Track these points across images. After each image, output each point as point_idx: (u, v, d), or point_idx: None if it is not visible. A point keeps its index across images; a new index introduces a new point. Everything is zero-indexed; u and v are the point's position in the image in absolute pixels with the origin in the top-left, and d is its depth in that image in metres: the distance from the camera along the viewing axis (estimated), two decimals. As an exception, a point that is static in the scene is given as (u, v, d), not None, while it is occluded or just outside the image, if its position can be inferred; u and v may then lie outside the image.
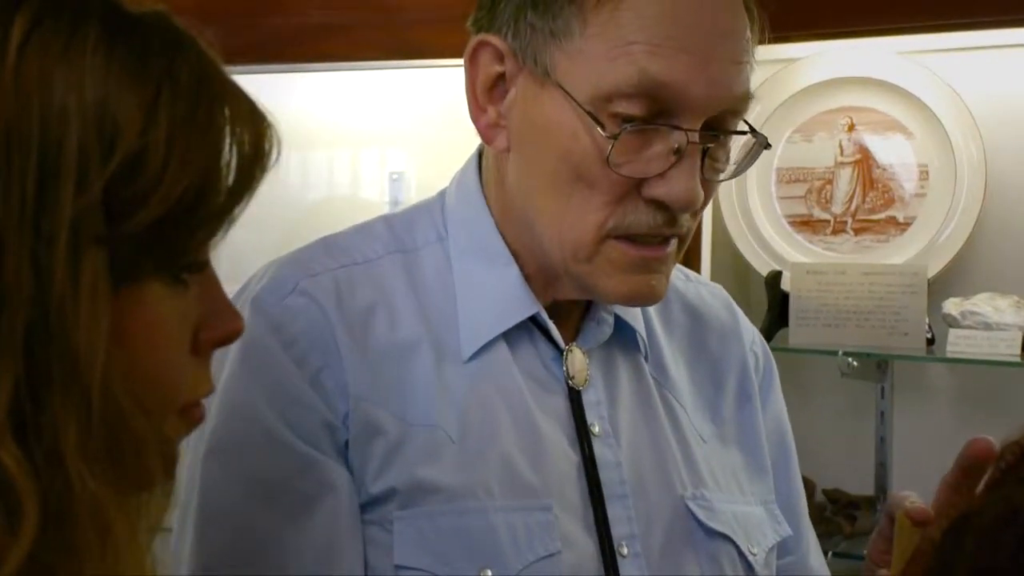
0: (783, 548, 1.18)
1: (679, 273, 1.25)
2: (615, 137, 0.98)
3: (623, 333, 1.14)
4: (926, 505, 0.94)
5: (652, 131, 0.99)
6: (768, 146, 1.07)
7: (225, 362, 1.00)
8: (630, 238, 1.02)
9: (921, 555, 0.79)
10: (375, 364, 1.05)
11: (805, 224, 2.39)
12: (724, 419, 1.19)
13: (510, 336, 1.09)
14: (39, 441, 0.52)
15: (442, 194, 1.15)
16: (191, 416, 0.63)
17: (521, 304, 1.08)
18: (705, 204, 1.04)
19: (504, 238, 1.09)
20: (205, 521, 1.01)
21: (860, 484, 2.34)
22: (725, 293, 1.28)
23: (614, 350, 1.13)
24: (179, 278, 0.59)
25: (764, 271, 2.34)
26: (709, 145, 1.01)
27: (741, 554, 1.11)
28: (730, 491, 1.14)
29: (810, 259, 2.35)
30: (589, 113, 0.99)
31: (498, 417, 1.06)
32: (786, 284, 2.30)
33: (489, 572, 1.00)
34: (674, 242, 1.04)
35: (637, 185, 1.00)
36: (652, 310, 1.18)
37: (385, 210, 2.66)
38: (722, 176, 1.05)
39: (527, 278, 1.09)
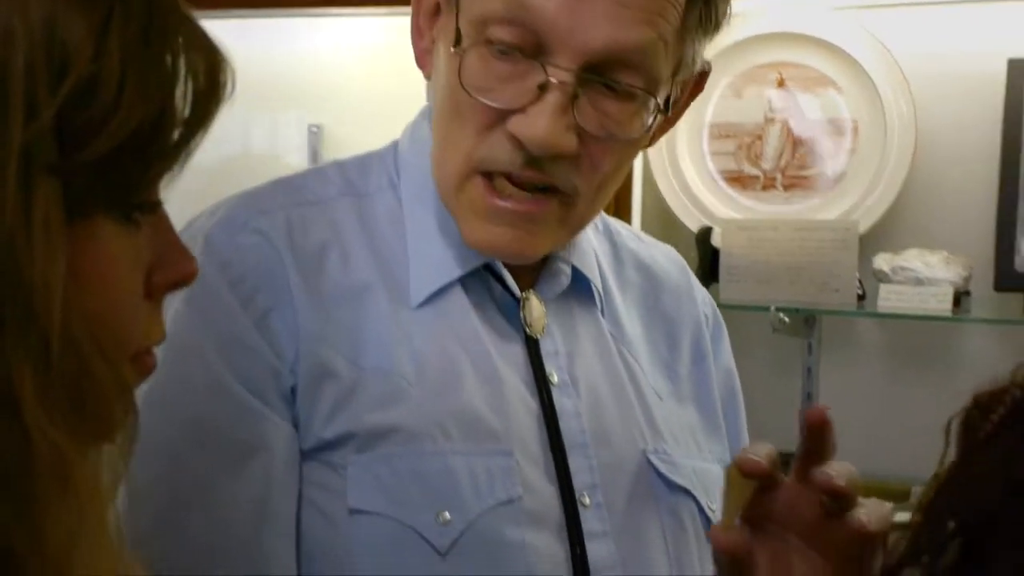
0: None
1: (631, 234, 1.25)
2: (463, 52, 0.98)
3: (580, 286, 1.13)
4: (762, 458, 0.92)
5: (525, 64, 0.98)
6: (664, 111, 1.03)
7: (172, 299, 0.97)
8: (492, 179, 1.01)
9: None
10: (327, 305, 1.03)
11: (735, 180, 2.38)
12: (680, 377, 1.18)
13: (466, 283, 1.07)
14: None
15: (395, 143, 1.14)
16: (143, 364, 0.61)
17: (473, 251, 1.06)
18: (598, 165, 1.01)
19: None
20: (139, 454, 0.97)
21: (788, 440, 2.34)
22: (677, 254, 1.28)
23: (572, 303, 1.12)
24: (131, 217, 0.56)
25: (694, 227, 2.33)
26: (580, 90, 0.98)
27: (701, 509, 1.10)
28: (688, 448, 1.14)
29: (740, 215, 2.34)
30: (457, 30, 0.98)
31: (457, 362, 1.04)
32: (716, 240, 2.29)
33: (447, 514, 0.98)
34: (551, 203, 1.01)
35: (504, 119, 0.99)
36: (606, 268, 1.17)
37: (304, 164, 2.63)
38: (619, 136, 1.01)
39: None
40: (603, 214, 1.22)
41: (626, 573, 1.03)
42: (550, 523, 1.01)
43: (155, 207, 0.58)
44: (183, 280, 0.59)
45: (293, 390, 1.00)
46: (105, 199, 0.54)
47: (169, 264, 0.58)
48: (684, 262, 1.27)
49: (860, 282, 2.21)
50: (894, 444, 2.10)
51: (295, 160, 2.64)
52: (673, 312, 1.21)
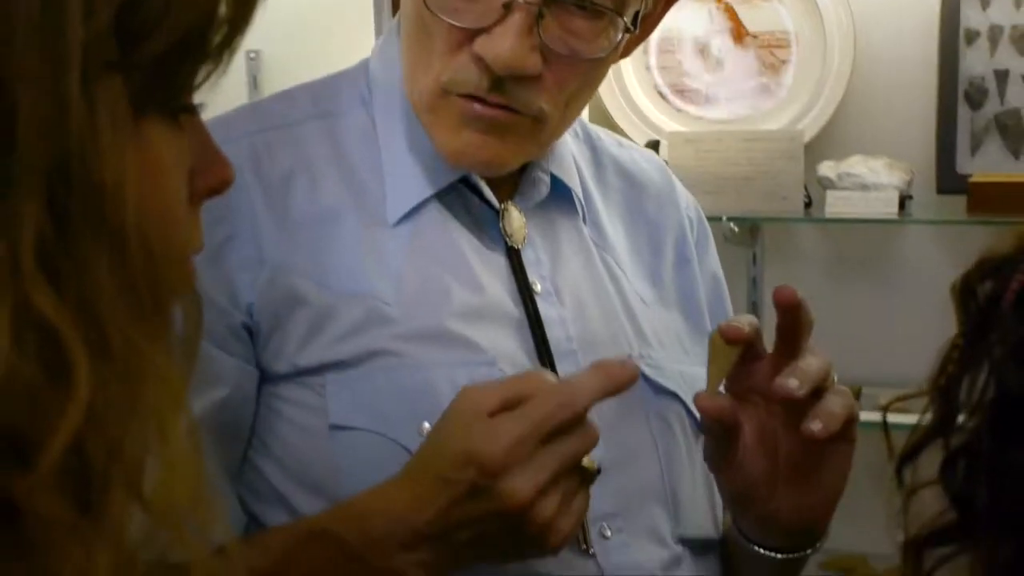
0: None
1: (612, 140, 1.24)
2: None
3: (560, 194, 1.13)
4: (744, 327, 0.98)
5: None
6: (630, 29, 1.03)
7: None
8: (469, 96, 1.01)
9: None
10: (295, 232, 1.02)
11: (680, 93, 2.40)
12: (664, 283, 1.19)
13: (444, 198, 1.07)
14: (71, 288, 0.48)
15: (365, 61, 1.13)
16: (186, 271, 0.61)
17: (448, 165, 1.06)
18: (563, 84, 1.01)
19: None
20: None
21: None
22: (659, 159, 1.27)
23: (552, 211, 1.12)
24: (178, 118, 0.56)
25: (641, 141, 2.35)
26: (546, 9, 0.97)
27: (689, 412, 1.11)
28: (674, 352, 1.14)
29: (686, 128, 2.36)
30: None
31: (438, 277, 1.04)
32: (663, 153, 2.31)
33: (427, 425, 0.96)
34: (522, 118, 1.01)
35: (471, 39, 0.98)
36: (587, 175, 1.17)
37: (243, 90, 2.61)
38: (585, 54, 1.01)
39: None
40: (583, 120, 1.23)
41: (616, 477, 1.03)
42: None
43: (197, 110, 0.58)
44: (222, 185, 0.59)
45: (247, 328, 1.00)
46: (159, 99, 0.53)
47: (208, 168, 0.58)
48: (665, 166, 1.27)
49: (806, 189, 2.26)
50: (841, 347, 2.16)
51: (233, 85, 2.62)
52: (656, 217, 1.21)
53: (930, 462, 0.73)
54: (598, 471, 0.95)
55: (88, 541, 0.49)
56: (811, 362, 0.97)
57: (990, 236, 2.30)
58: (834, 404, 0.97)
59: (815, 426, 0.95)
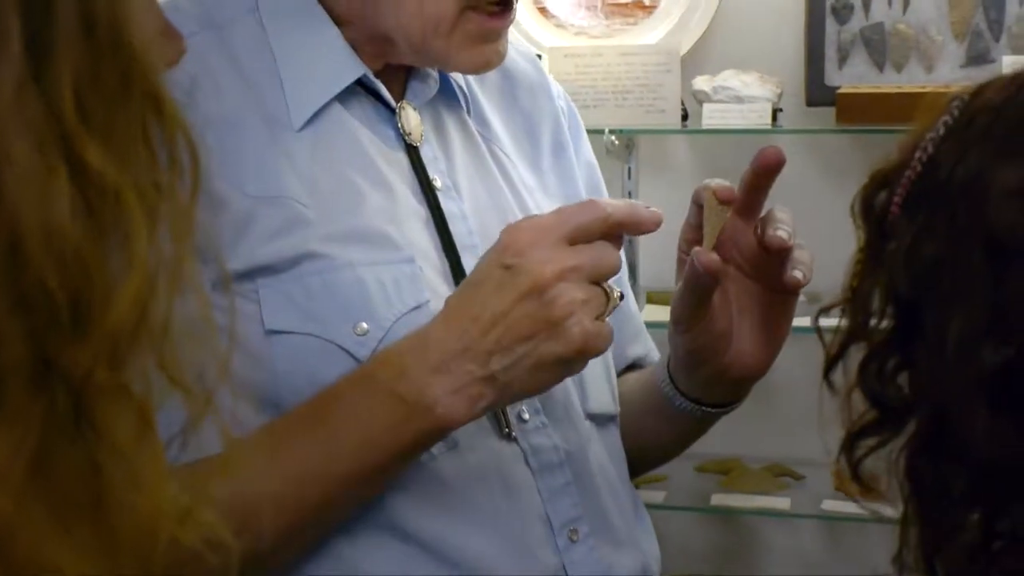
0: None
1: None
2: None
3: (445, 90, 1.16)
4: (734, 186, 1.06)
5: None
6: None
7: None
8: (482, 7, 1.05)
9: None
10: (207, 136, 1.02)
11: (557, 9, 2.43)
12: (543, 171, 1.23)
13: (343, 100, 1.09)
14: (113, 145, 0.51)
15: None
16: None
17: (346, 66, 1.08)
18: None
19: (322, 2, 1.09)
20: None
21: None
22: (531, 51, 1.33)
23: (440, 107, 1.16)
24: None
25: (521, 56, 2.38)
26: None
27: None
28: None
29: (564, 43, 2.40)
30: None
31: (348, 178, 1.06)
32: (544, 68, 2.34)
33: (364, 324, 1.01)
34: (515, 5, 1.08)
35: None
36: None
37: None
38: None
39: (353, 43, 1.09)
40: None
41: None
42: None
43: None
44: (178, 55, 0.61)
45: None
46: None
47: (166, 41, 0.60)
48: (537, 59, 1.32)
49: (682, 103, 2.32)
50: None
51: None
52: (531, 108, 1.25)
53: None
54: (621, 297, 0.99)
55: (120, 402, 0.51)
56: (783, 216, 1.05)
57: (857, 144, 2.42)
58: (803, 254, 1.05)
59: (798, 274, 1.03)
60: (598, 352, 0.97)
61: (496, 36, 1.08)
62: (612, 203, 0.99)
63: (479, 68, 1.11)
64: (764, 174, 1.05)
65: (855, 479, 0.79)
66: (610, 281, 0.98)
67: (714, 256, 1.03)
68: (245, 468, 0.87)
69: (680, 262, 1.10)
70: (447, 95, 1.16)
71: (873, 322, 0.77)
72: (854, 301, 0.79)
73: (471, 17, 1.05)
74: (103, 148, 0.49)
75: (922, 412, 0.74)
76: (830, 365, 0.80)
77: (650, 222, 0.99)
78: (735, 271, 1.09)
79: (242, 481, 0.94)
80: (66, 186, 0.48)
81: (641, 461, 1.26)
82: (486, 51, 1.08)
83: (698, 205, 1.08)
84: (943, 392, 0.72)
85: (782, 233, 1.03)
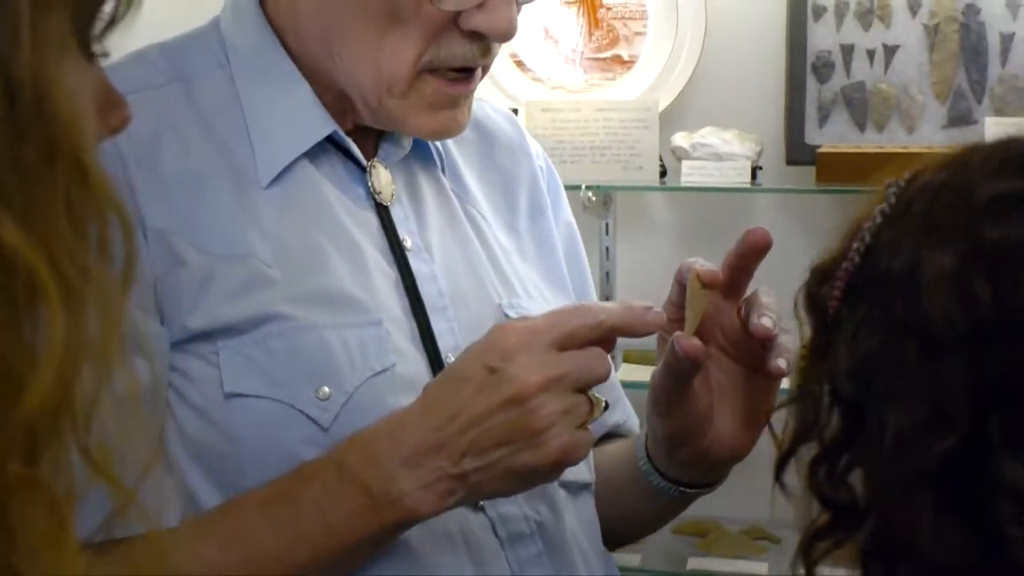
0: None
1: None
2: None
3: (419, 149, 1.14)
4: (719, 269, 1.02)
5: None
6: None
7: None
8: (442, 72, 1.02)
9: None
10: (170, 193, 1.00)
11: (534, 63, 2.41)
12: (520, 233, 1.20)
13: (313, 158, 1.06)
14: (30, 219, 0.47)
15: (215, 20, 1.11)
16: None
17: (316, 123, 1.06)
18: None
19: (294, 59, 1.06)
20: None
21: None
22: (508, 110, 1.29)
23: (414, 167, 1.13)
24: (91, 56, 0.54)
25: (498, 110, 2.36)
26: None
27: None
28: (539, 301, 1.16)
29: (542, 97, 2.38)
30: None
31: (314, 237, 1.04)
32: (520, 122, 2.32)
33: (326, 389, 0.97)
34: (479, 73, 1.05)
35: (454, 18, 1.00)
36: None
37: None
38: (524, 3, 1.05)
39: (323, 100, 1.06)
40: None
41: None
42: (421, 387, 0.99)
43: (103, 44, 0.57)
44: (123, 124, 0.58)
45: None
46: (84, 32, 0.52)
47: (110, 109, 0.57)
48: (514, 116, 1.29)
49: (661, 159, 2.30)
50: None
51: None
52: (508, 167, 1.22)
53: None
54: (605, 407, 0.96)
55: (34, 497, 0.47)
56: (770, 300, 1.01)
57: (837, 204, 2.38)
58: (787, 341, 1.00)
59: (781, 363, 0.99)
60: (575, 463, 0.95)
61: (454, 103, 1.04)
62: (607, 308, 0.96)
63: (435, 135, 1.08)
64: (750, 256, 1.01)
65: None
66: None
67: (695, 342, 1.00)
68: (193, 553, 0.82)
69: (661, 342, 1.06)
70: (421, 154, 1.14)
71: (821, 421, 0.75)
72: (801, 400, 0.76)
73: (428, 80, 1.02)
74: (19, 226, 0.46)
75: (874, 513, 0.72)
76: (780, 465, 0.77)
77: (650, 325, 0.96)
78: (717, 352, 1.05)
79: (190, 565, 0.91)
80: None
81: (619, 533, 1.22)
82: (443, 117, 1.04)
83: (680, 284, 1.04)
84: (886, 492, 0.70)
85: (767, 321, 0.99)
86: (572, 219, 1.28)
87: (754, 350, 1.02)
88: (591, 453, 1.15)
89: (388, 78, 1.02)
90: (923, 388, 0.67)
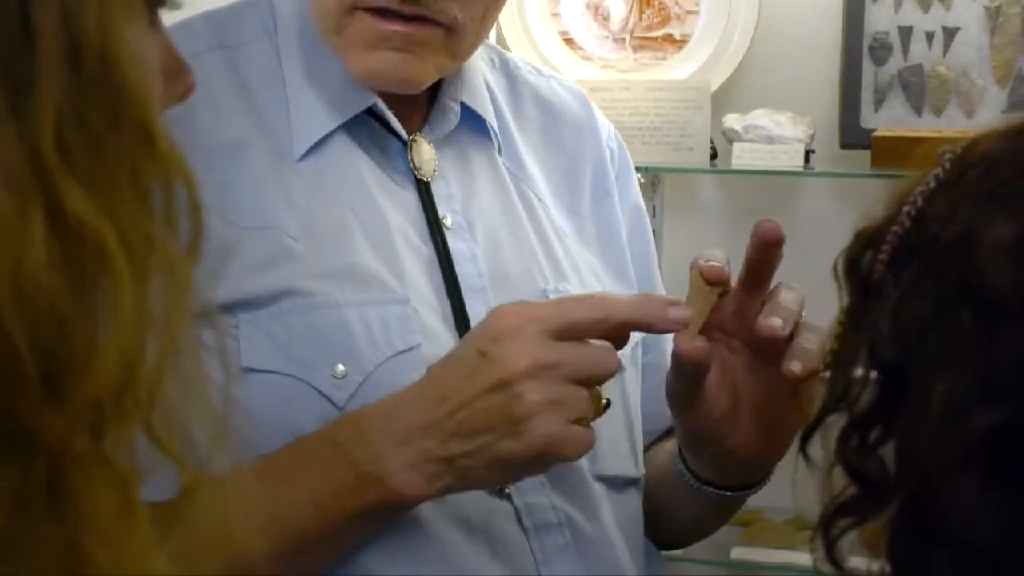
0: (644, 345, 1.18)
1: (531, 68, 1.22)
2: None
3: (474, 126, 1.11)
4: (723, 264, 0.96)
5: None
6: None
7: None
8: (378, 12, 0.99)
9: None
10: (200, 164, 0.98)
11: (584, 41, 2.38)
12: (582, 215, 1.17)
13: (352, 131, 1.05)
14: (96, 186, 0.46)
15: None
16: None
17: (355, 96, 1.04)
18: None
19: None
20: None
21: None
22: (579, 88, 1.25)
23: (466, 144, 1.10)
24: (155, 18, 0.53)
25: (547, 89, 2.33)
26: None
27: None
28: (592, 286, 1.12)
29: (591, 76, 2.34)
30: None
31: (343, 212, 1.02)
32: (592, 107, 2.29)
33: (340, 367, 0.96)
34: (436, 29, 1.01)
35: None
36: (504, 104, 1.16)
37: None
38: None
39: None
40: (501, 50, 1.21)
41: None
42: None
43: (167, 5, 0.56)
44: (188, 91, 0.58)
45: None
46: None
47: (175, 75, 0.56)
48: (585, 95, 1.25)
49: (711, 141, 2.26)
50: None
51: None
52: (573, 148, 1.19)
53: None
54: (607, 405, 0.93)
55: (101, 475, 0.47)
56: (788, 298, 0.95)
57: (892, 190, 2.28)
58: (809, 341, 0.94)
59: (795, 367, 0.93)
60: (565, 458, 0.91)
61: (393, 43, 1.00)
62: (619, 301, 0.93)
63: (371, 76, 1.03)
64: (764, 249, 0.96)
65: (831, 560, 0.74)
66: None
67: (697, 343, 0.95)
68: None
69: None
70: (475, 131, 1.11)
71: (855, 391, 0.72)
72: (835, 367, 0.74)
73: (361, 17, 1.00)
74: (86, 192, 0.45)
75: (905, 488, 0.69)
76: (807, 436, 0.75)
77: (670, 322, 0.92)
78: (743, 349, 1.00)
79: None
80: (41, 232, 0.43)
81: (673, 533, 1.20)
82: (377, 58, 1.01)
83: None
84: (928, 464, 0.66)
85: (775, 321, 0.94)
86: (641, 203, 1.24)
87: (781, 349, 0.96)
88: (639, 447, 1.13)
89: (323, 13, 1.02)
90: (976, 357, 0.65)
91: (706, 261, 0.96)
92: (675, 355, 0.96)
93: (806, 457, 0.75)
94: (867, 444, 0.71)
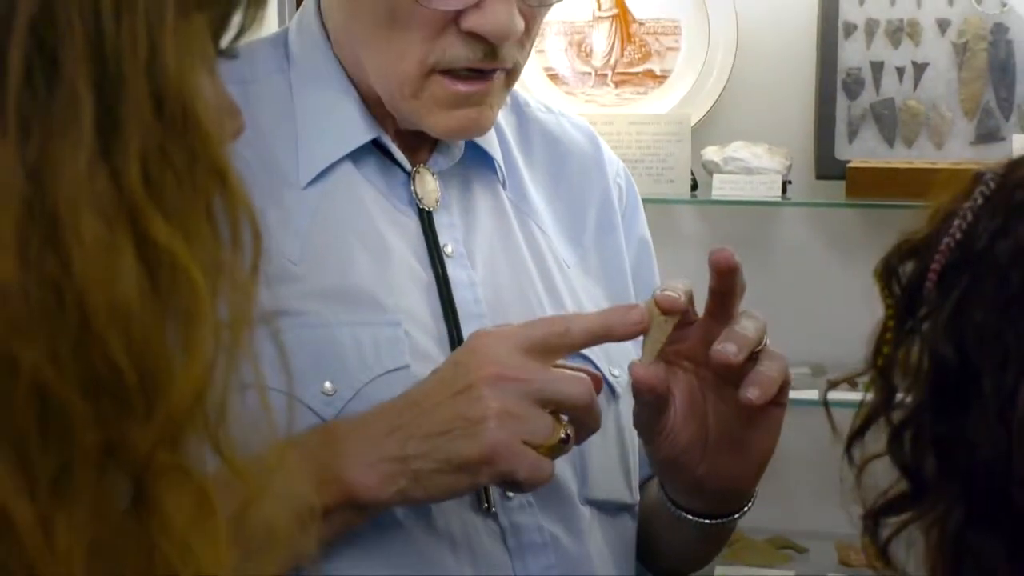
0: None
1: (540, 105, 1.25)
2: None
3: (480, 159, 1.14)
4: (680, 294, 0.97)
5: None
6: None
7: None
8: (453, 73, 1.02)
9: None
10: None
11: (567, 76, 2.45)
12: (585, 247, 1.19)
13: (357, 161, 1.08)
14: (176, 220, 0.50)
15: (284, 31, 1.14)
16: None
17: (361, 128, 1.08)
18: (531, 34, 1.05)
19: (343, 66, 1.09)
20: None
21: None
22: (588, 125, 1.28)
23: (471, 177, 1.14)
24: (215, 63, 0.57)
25: (532, 123, 2.38)
26: None
27: (603, 376, 1.07)
28: None
29: (574, 111, 2.40)
30: None
31: (344, 237, 1.05)
32: (600, 143, 2.34)
33: (328, 384, 0.98)
34: (500, 75, 1.04)
35: (455, 18, 1.00)
36: (512, 139, 1.19)
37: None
38: (550, 2, 1.05)
39: (368, 105, 1.08)
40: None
41: None
42: None
43: (230, 54, 0.59)
44: (238, 132, 0.60)
45: None
46: (215, 41, 0.55)
47: (228, 117, 0.59)
48: (595, 133, 1.27)
49: (692, 173, 2.32)
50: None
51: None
52: (579, 184, 1.21)
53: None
54: (566, 438, 0.93)
55: (183, 485, 0.49)
56: (747, 326, 0.96)
57: (866, 218, 2.39)
58: (769, 368, 0.96)
59: (752, 393, 0.94)
60: (511, 473, 0.91)
61: (468, 101, 1.04)
62: (580, 315, 0.97)
63: (453, 133, 1.07)
64: (720, 276, 0.97)
65: (883, 559, 0.76)
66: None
67: (651, 371, 0.96)
68: None
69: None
70: (481, 165, 1.14)
71: (900, 395, 0.76)
72: (882, 373, 0.77)
73: (438, 80, 1.02)
74: (169, 224, 0.48)
75: (958, 493, 0.72)
76: (853, 438, 0.77)
77: (630, 325, 0.95)
78: (713, 378, 1.01)
79: None
80: (133, 262, 0.47)
81: (668, 561, 1.21)
82: (459, 116, 1.04)
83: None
84: (1008, 461, 0.69)
85: (729, 347, 0.94)
86: (648, 237, 1.26)
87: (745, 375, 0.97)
88: (633, 473, 1.13)
89: (399, 79, 1.03)
90: None
91: (662, 291, 0.97)
92: (633, 383, 0.98)
93: (850, 459, 0.77)
94: (921, 443, 0.74)
